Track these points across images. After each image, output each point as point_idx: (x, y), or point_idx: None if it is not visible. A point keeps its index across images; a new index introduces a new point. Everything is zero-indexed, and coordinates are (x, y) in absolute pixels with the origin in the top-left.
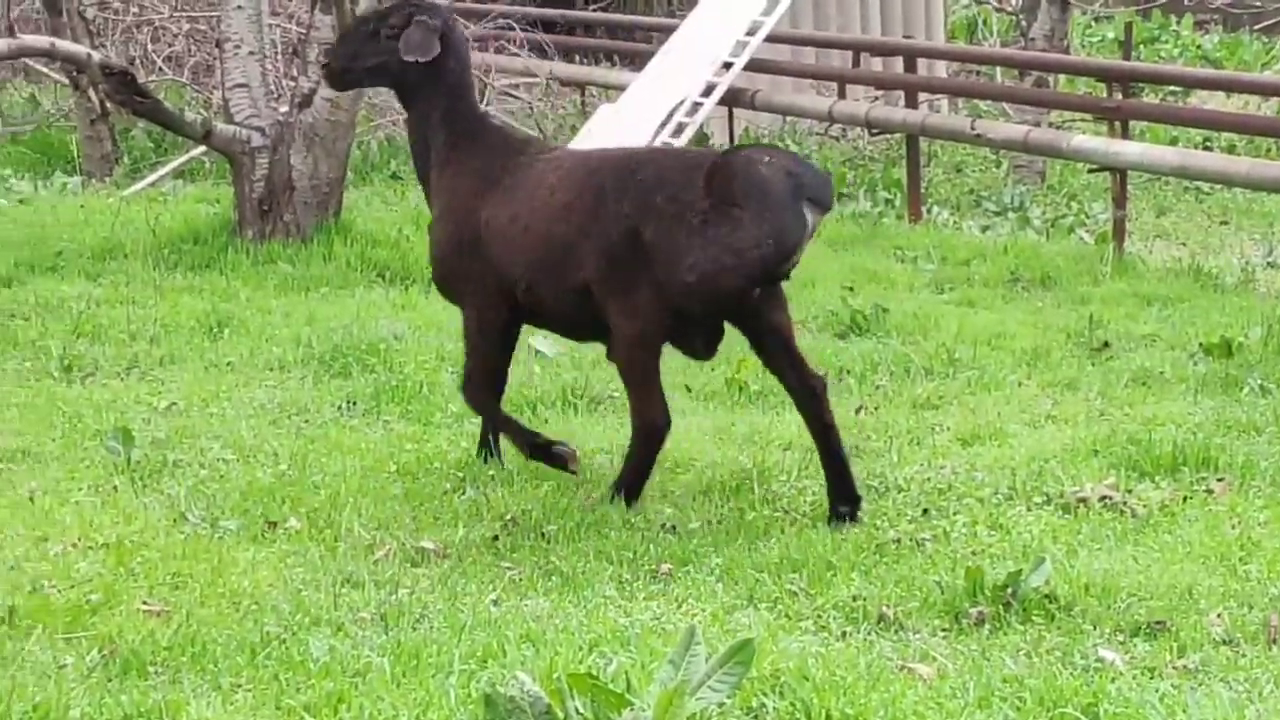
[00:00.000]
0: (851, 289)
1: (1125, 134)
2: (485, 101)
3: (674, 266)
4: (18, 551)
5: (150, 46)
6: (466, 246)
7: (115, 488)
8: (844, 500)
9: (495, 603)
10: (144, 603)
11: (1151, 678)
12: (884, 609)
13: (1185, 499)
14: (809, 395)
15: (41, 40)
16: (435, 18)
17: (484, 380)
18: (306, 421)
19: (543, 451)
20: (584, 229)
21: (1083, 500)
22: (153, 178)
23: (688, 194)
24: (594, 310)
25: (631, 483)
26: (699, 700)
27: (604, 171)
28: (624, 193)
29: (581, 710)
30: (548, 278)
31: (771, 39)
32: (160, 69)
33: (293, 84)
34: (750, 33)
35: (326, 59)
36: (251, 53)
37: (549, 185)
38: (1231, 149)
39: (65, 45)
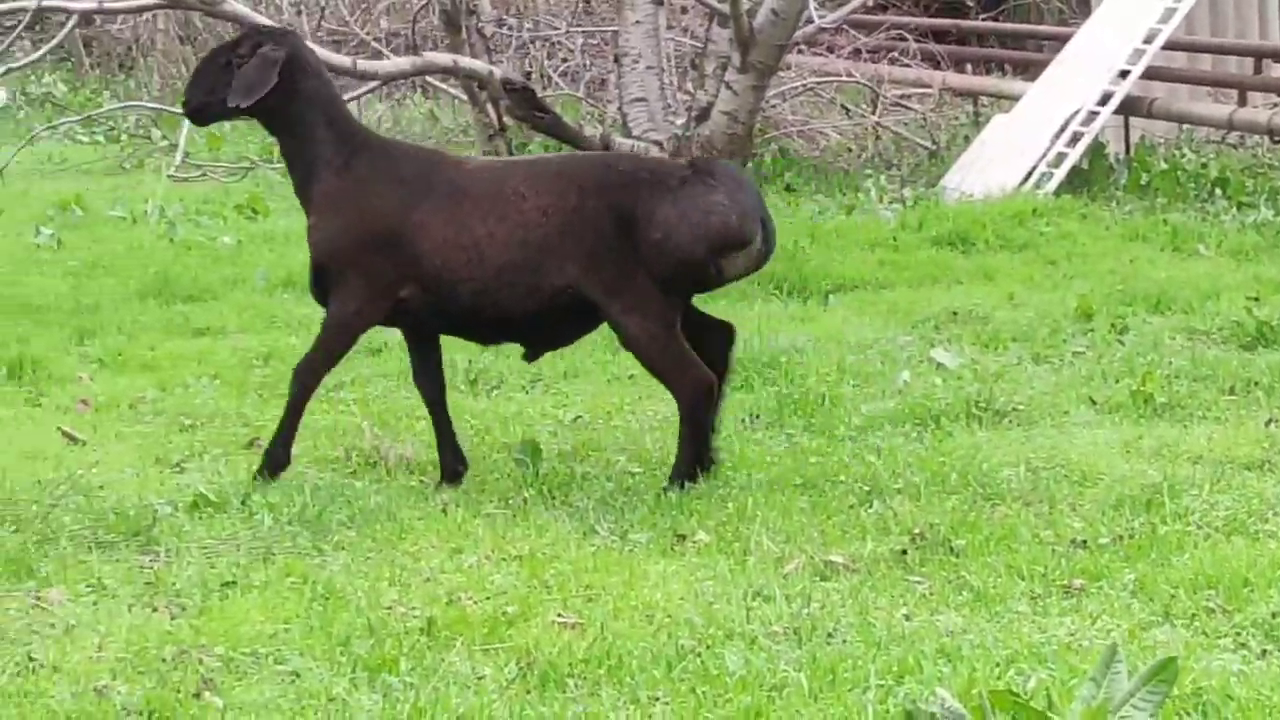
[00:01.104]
0: (1256, 299)
1: None
2: (877, 113)
3: (647, 227)
4: (434, 563)
5: (545, 61)
6: (376, 242)
7: (525, 500)
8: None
9: (907, 617)
10: (558, 615)
11: None
12: None
13: None
14: (729, 333)
15: (444, 57)
16: (280, 45)
17: (324, 371)
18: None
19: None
20: (565, 229)
21: None
22: None
23: (669, 167)
24: (558, 311)
25: (691, 456)
26: (1122, 719)
27: (573, 173)
28: (608, 184)
29: None
30: (518, 280)
31: (1168, 46)
32: (555, 84)
33: (689, 98)
34: (1147, 40)
35: (184, 96)
36: (649, 67)
37: (514, 191)
38: None
39: (467, 62)
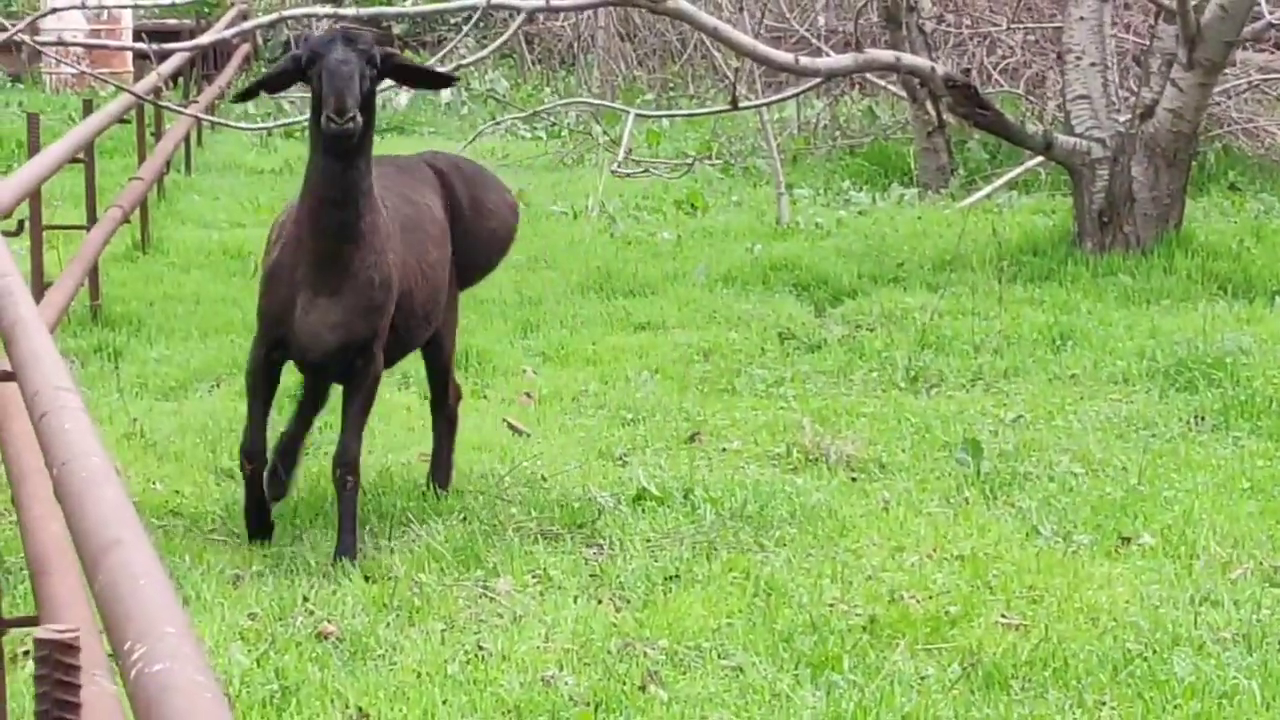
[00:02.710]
0: None
1: None
2: None
3: (480, 216)
4: (875, 561)
5: (985, 58)
6: (400, 278)
7: (966, 500)
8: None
9: None
10: (1002, 616)
11: None
12: None
13: None
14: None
15: (887, 54)
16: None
17: None
18: (1153, 436)
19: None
20: (443, 231)
21: None
22: (988, 189)
23: (436, 156)
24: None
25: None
26: None
27: (429, 173)
28: (451, 185)
29: None
30: (438, 295)
31: None
32: (995, 80)
33: (1131, 95)
34: None
35: (346, 114)
36: (1093, 64)
37: (424, 199)
38: None
39: (910, 58)
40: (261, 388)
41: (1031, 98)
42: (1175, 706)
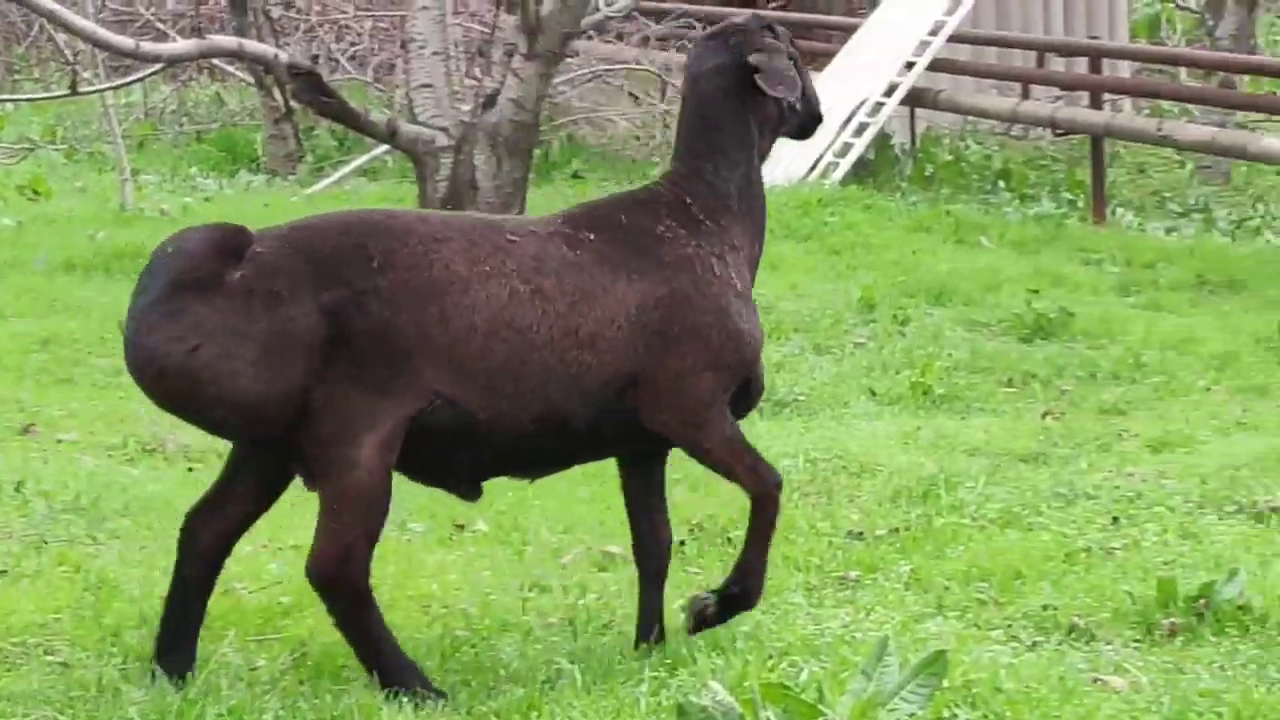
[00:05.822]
0: (1036, 292)
1: None
2: (665, 101)
3: None
4: None
5: (333, 45)
6: None
7: (301, 489)
8: None
9: (683, 609)
10: None
11: None
12: (1075, 619)
13: None
14: None
15: (229, 41)
16: None
17: None
18: None
19: None
20: None
21: (1276, 510)
22: (336, 176)
23: None
24: None
25: None
26: (891, 712)
27: None
28: None
29: None
30: None
31: (954, 39)
32: (343, 67)
33: (476, 84)
34: (933, 32)
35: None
36: (436, 53)
37: None
38: None
39: (253, 45)
40: None
41: (379, 85)
42: (500, 692)
